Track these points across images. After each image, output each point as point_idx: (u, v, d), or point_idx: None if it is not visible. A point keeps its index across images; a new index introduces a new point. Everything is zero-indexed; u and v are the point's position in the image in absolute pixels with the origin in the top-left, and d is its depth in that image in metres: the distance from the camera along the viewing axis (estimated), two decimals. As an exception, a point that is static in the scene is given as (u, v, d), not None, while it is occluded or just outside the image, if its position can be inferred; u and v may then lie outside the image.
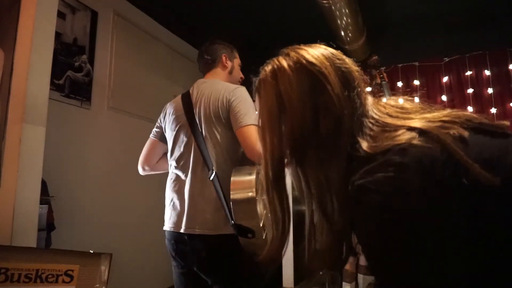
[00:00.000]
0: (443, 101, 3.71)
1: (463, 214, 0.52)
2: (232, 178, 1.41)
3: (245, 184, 1.41)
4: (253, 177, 1.41)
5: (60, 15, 2.57)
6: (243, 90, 1.57)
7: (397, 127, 0.61)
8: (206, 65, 1.80)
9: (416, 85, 3.76)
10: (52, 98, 2.23)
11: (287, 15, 3.66)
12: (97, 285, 0.82)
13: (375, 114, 0.66)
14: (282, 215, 0.70)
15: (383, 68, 2.84)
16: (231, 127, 1.49)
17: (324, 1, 3.01)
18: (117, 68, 3.11)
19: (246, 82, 1.72)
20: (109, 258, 0.94)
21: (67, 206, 2.49)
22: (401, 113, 0.67)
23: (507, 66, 3.49)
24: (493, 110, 3.49)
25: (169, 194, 1.63)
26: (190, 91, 1.71)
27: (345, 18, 3.22)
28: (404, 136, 0.57)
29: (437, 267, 0.50)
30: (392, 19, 3.81)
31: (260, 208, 1.35)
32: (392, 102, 0.71)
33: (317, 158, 0.65)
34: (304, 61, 0.68)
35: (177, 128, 1.63)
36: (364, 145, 0.61)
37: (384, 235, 0.53)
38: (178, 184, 1.59)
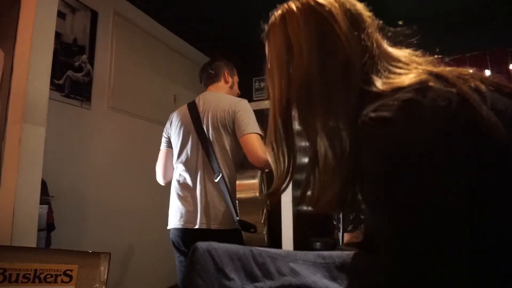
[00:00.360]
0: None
1: (472, 161, 0.50)
2: (237, 181, 1.66)
3: (249, 185, 1.66)
4: (256, 180, 1.67)
5: (60, 15, 2.57)
6: (246, 103, 1.79)
7: (411, 69, 0.61)
8: (209, 79, 1.99)
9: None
10: (52, 98, 2.23)
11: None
12: (97, 285, 0.82)
13: (390, 55, 0.66)
14: (288, 152, 0.70)
15: None
16: (235, 135, 1.71)
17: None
18: (117, 68, 3.11)
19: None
20: (108, 258, 0.94)
21: (67, 206, 2.49)
22: (415, 61, 0.67)
23: (508, 66, 3.48)
24: (494, 110, 3.49)
25: (177, 195, 1.80)
26: (196, 102, 1.88)
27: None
28: (420, 77, 0.56)
29: (440, 203, 0.49)
30: (392, 19, 3.81)
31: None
32: (406, 51, 0.71)
33: (326, 96, 0.64)
34: (312, 2, 0.69)
35: (184, 134, 1.82)
36: (378, 82, 0.60)
37: (395, 166, 0.52)
38: (186, 185, 1.77)
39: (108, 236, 2.79)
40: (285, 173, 0.71)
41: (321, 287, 0.75)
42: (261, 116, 3.37)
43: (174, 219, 1.77)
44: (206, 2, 3.46)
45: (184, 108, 1.90)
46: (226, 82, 1.99)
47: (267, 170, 1.75)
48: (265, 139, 1.60)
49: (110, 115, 3.00)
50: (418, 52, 0.72)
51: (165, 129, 1.97)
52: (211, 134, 1.73)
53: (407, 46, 0.75)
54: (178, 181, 1.82)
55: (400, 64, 0.65)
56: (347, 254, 0.66)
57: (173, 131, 1.89)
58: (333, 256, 0.85)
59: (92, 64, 2.86)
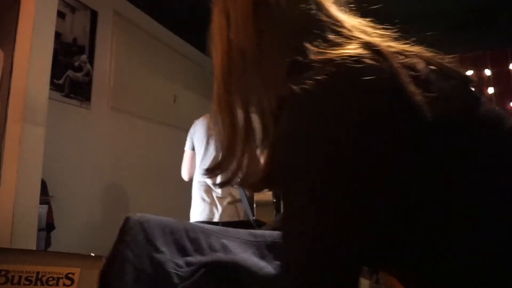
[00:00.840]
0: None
1: (393, 142, 0.49)
2: None
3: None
4: None
5: (60, 14, 2.57)
6: None
7: (352, 39, 0.59)
8: None
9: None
10: (52, 98, 2.22)
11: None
12: None
13: (334, 23, 0.63)
14: (231, 130, 0.67)
15: None
16: None
17: None
18: (117, 68, 3.11)
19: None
20: (109, 259, 0.93)
21: (67, 206, 2.49)
22: (364, 31, 0.64)
23: (508, 66, 3.49)
24: (494, 110, 3.50)
25: (199, 195, 2.21)
26: None
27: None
28: (356, 50, 0.54)
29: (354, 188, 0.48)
30: (391, 19, 3.81)
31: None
32: (363, 21, 0.69)
33: (258, 65, 0.63)
34: None
35: (207, 141, 2.19)
36: (311, 52, 0.58)
37: (309, 145, 0.50)
38: (209, 188, 2.18)
39: (108, 236, 2.78)
40: (235, 150, 0.66)
41: (250, 264, 0.76)
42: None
43: (196, 214, 2.15)
44: (207, 2, 3.46)
45: (208, 116, 2.31)
46: None
47: None
48: None
49: (109, 115, 3.00)
50: (374, 24, 0.69)
51: (189, 134, 2.34)
52: None
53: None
54: (199, 182, 2.23)
55: (343, 31, 0.62)
56: (279, 233, 0.66)
57: (197, 137, 2.27)
58: (265, 235, 0.86)
59: (92, 64, 2.86)
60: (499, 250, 0.49)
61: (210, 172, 0.68)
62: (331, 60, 0.53)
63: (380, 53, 0.54)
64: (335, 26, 0.63)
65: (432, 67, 0.57)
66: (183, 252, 0.77)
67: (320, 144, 0.49)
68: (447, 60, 0.62)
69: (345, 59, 0.52)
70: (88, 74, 2.82)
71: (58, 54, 2.54)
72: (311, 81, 0.51)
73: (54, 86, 2.48)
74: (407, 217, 0.51)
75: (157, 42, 3.68)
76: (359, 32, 0.62)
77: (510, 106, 3.45)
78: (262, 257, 0.80)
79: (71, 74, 2.66)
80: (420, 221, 0.51)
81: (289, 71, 0.59)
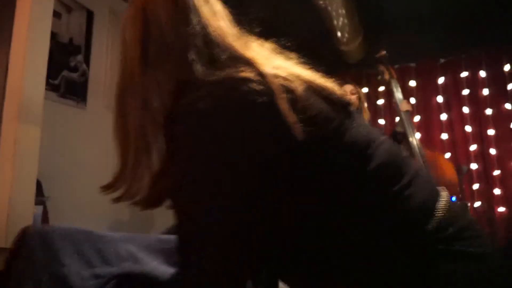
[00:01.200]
0: (439, 103, 3.72)
1: (265, 161, 0.55)
2: None
3: None
4: None
5: (56, 14, 2.55)
6: None
7: (239, 60, 0.62)
8: None
9: (412, 86, 3.77)
10: (47, 98, 2.22)
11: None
12: None
13: (222, 42, 0.65)
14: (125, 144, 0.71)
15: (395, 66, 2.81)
16: None
17: (320, 1, 3.01)
18: (113, 68, 3.10)
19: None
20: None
21: (63, 207, 2.48)
22: (259, 54, 0.66)
23: (503, 67, 3.51)
24: (489, 111, 3.51)
25: None
26: None
27: (341, 19, 3.22)
28: (239, 73, 0.58)
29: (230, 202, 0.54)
30: (389, 20, 3.82)
31: None
32: (254, 38, 0.71)
33: (146, 81, 0.65)
34: None
35: None
36: (199, 72, 0.61)
37: (193, 165, 0.55)
38: None
39: (103, 236, 2.78)
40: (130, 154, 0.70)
41: (159, 274, 0.73)
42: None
43: None
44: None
45: None
46: None
47: None
48: None
49: (106, 115, 2.99)
50: (266, 42, 0.72)
51: None
52: None
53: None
54: None
55: (230, 51, 0.64)
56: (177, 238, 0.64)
57: None
58: (172, 240, 0.83)
59: (88, 64, 2.85)
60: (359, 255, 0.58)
61: (107, 188, 0.69)
62: (216, 82, 0.58)
63: (263, 75, 0.58)
64: (221, 47, 0.65)
65: (312, 89, 0.62)
66: (89, 263, 0.71)
67: (207, 160, 0.54)
68: (329, 82, 0.66)
69: (229, 81, 0.57)
70: (84, 74, 2.81)
71: (54, 54, 2.53)
72: (197, 101, 0.56)
73: (50, 86, 2.47)
74: (286, 223, 0.58)
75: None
76: (247, 50, 0.65)
77: (505, 108, 3.47)
78: (171, 264, 0.76)
79: (67, 74, 2.65)
80: (294, 226, 0.58)
81: (176, 89, 0.62)
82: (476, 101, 3.59)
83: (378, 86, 3.88)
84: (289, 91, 0.58)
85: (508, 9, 3.45)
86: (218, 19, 0.68)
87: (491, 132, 3.48)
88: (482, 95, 3.56)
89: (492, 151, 3.45)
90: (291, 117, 0.55)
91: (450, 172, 2.53)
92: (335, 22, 3.26)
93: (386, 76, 2.72)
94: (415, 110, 3.57)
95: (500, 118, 3.47)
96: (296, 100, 0.57)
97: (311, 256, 0.59)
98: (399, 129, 2.67)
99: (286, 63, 0.65)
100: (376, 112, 3.86)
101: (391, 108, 3.84)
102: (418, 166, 0.70)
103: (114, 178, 0.69)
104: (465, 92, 3.62)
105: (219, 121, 0.55)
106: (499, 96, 3.51)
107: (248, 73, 0.58)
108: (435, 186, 0.67)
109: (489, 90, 3.54)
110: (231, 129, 0.54)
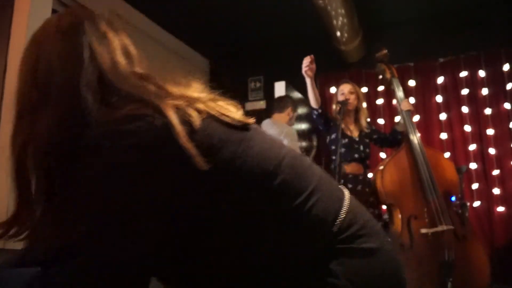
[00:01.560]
0: (438, 102, 3.72)
1: (169, 197, 0.56)
2: None
3: None
4: None
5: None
6: (291, 130, 2.84)
7: (135, 98, 0.62)
8: (278, 108, 2.96)
9: (411, 86, 3.77)
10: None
11: (282, 15, 3.66)
12: None
13: (117, 80, 0.64)
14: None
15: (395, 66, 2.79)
16: None
17: (320, 1, 3.01)
18: (112, 68, 3.10)
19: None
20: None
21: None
22: (151, 81, 0.66)
23: (501, 67, 3.51)
24: (488, 111, 3.51)
25: None
26: (263, 128, 2.75)
27: (340, 18, 3.22)
28: (133, 111, 0.58)
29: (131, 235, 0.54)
30: (388, 19, 3.82)
31: None
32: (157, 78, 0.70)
33: (36, 120, 0.65)
34: (34, 35, 0.70)
35: None
36: (93, 111, 0.61)
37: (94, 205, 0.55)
38: None
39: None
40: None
41: None
42: (259, 116, 3.43)
43: None
44: (203, 2, 3.46)
45: (269, 120, 2.91)
46: (288, 115, 2.93)
47: None
48: None
49: (105, 115, 2.98)
50: (165, 75, 0.72)
51: None
52: None
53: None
54: None
55: (124, 88, 0.64)
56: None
57: None
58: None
59: (87, 63, 2.84)
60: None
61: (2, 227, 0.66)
62: (113, 121, 0.58)
63: (159, 110, 0.58)
64: (116, 86, 0.64)
65: (212, 117, 0.63)
66: None
67: (107, 197, 0.54)
68: (230, 106, 0.69)
69: (126, 119, 0.57)
70: (83, 74, 2.80)
71: (53, 53, 2.53)
72: (96, 140, 0.56)
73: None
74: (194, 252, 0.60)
75: (152, 42, 3.67)
76: (143, 83, 0.65)
77: (504, 107, 3.47)
78: None
79: (66, 74, 2.65)
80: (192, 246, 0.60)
81: (68, 128, 0.61)
82: (475, 101, 3.59)
83: (377, 86, 3.87)
84: (187, 123, 0.59)
85: (507, 9, 3.46)
86: (114, 56, 0.67)
87: (490, 131, 3.48)
88: (481, 94, 3.56)
89: (491, 151, 3.45)
90: (191, 149, 0.56)
91: (451, 172, 2.52)
92: (334, 21, 3.26)
93: (388, 75, 2.70)
94: (414, 110, 3.57)
95: (499, 117, 3.48)
96: (194, 131, 0.58)
97: (219, 278, 0.62)
98: (399, 128, 2.67)
99: (185, 93, 0.65)
100: (375, 112, 3.85)
101: (390, 108, 3.84)
102: (320, 172, 0.73)
103: (10, 216, 0.67)
104: (464, 91, 3.62)
105: (120, 158, 0.55)
106: (498, 95, 3.51)
107: (144, 110, 0.58)
108: (338, 189, 0.73)
109: (488, 90, 3.54)
110: (132, 167, 0.55)
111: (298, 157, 0.71)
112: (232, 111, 0.68)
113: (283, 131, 2.73)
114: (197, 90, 0.68)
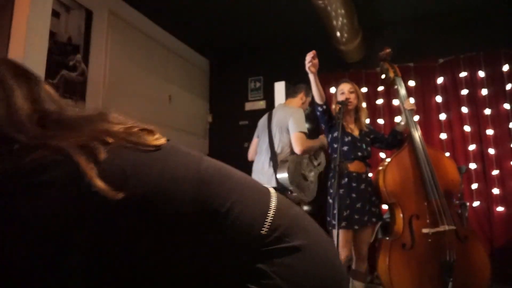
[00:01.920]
0: (437, 102, 3.72)
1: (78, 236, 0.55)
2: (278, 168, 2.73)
3: (282, 169, 2.71)
4: (287, 161, 2.73)
5: (55, 14, 2.54)
6: (299, 111, 2.84)
7: (38, 139, 0.60)
8: (291, 94, 3.07)
9: (411, 86, 3.77)
10: (46, 97, 2.21)
11: (282, 15, 3.66)
12: None
13: (28, 122, 0.63)
14: None
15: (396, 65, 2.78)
16: (289, 132, 2.77)
17: (320, 1, 3.01)
18: (112, 68, 3.09)
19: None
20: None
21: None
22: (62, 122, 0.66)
23: (501, 67, 3.51)
24: (487, 111, 3.52)
25: (254, 165, 2.96)
26: (274, 110, 3.01)
27: (340, 19, 3.22)
28: (35, 155, 0.56)
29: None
30: (388, 20, 3.83)
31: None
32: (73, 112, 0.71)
33: None
34: None
35: (262, 132, 2.96)
36: (16, 145, 0.59)
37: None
38: (258, 161, 2.92)
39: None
40: None
41: None
42: (258, 116, 3.38)
43: None
44: (202, 2, 3.45)
45: (267, 114, 3.04)
46: (301, 99, 2.99)
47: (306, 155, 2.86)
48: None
49: (104, 115, 2.98)
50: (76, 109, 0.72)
51: (257, 126, 3.09)
52: (274, 131, 2.85)
53: None
54: (254, 161, 2.96)
55: (30, 131, 0.62)
56: None
57: (260, 129, 3.02)
58: None
59: (86, 63, 2.84)
60: None
61: None
62: (13, 168, 0.56)
63: (62, 149, 0.57)
64: (30, 127, 0.62)
65: (122, 145, 0.63)
66: None
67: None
68: (145, 135, 0.69)
69: (25, 165, 0.55)
70: (83, 74, 2.80)
71: (53, 53, 2.52)
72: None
73: (49, 85, 2.46)
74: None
75: (152, 42, 3.67)
76: (47, 127, 0.64)
77: (504, 107, 3.48)
78: None
79: (66, 74, 2.64)
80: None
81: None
82: (474, 101, 3.59)
83: (377, 86, 3.88)
84: (92, 156, 0.58)
85: (507, 9, 3.46)
86: (16, 96, 0.65)
87: (489, 132, 3.49)
88: (481, 95, 3.57)
89: (491, 151, 3.45)
90: (99, 183, 0.55)
91: (453, 172, 2.52)
92: (334, 22, 3.26)
93: (391, 74, 2.70)
94: (416, 109, 3.57)
95: (499, 118, 3.48)
96: (100, 163, 0.57)
97: None
98: (399, 129, 2.67)
99: (91, 128, 0.65)
100: (375, 112, 3.86)
101: (390, 108, 3.85)
102: (243, 179, 0.73)
103: None
104: (464, 92, 3.62)
105: (31, 203, 0.53)
106: (497, 96, 3.51)
107: (44, 152, 0.57)
108: (263, 192, 0.73)
109: (488, 90, 3.54)
110: (38, 210, 0.53)
111: (216, 170, 0.71)
112: (147, 139, 0.68)
113: (288, 112, 2.82)
114: (112, 122, 0.69)
